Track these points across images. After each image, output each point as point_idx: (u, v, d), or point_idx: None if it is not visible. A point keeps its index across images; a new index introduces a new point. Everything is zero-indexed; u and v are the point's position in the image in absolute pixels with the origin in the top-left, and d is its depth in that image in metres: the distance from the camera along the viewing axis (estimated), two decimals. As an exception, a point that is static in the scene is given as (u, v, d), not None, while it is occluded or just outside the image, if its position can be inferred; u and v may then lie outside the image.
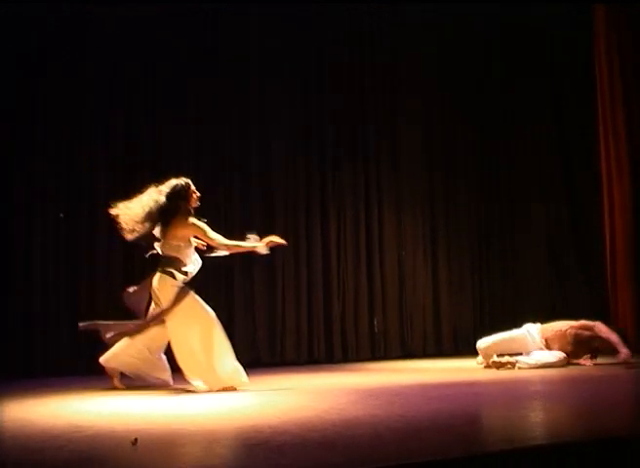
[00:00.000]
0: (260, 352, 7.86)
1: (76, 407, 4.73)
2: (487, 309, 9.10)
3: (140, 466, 2.98)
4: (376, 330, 8.43)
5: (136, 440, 3.29)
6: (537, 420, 3.96)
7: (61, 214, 7.20)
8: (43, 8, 7.23)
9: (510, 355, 6.76)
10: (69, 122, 7.41)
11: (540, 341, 6.83)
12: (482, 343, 6.96)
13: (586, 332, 6.75)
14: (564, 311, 8.98)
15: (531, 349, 6.84)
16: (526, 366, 6.61)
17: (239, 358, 7.93)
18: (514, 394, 5.19)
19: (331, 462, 2.92)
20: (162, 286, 5.47)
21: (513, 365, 6.62)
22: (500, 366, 6.63)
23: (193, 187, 5.61)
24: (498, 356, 6.81)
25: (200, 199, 5.65)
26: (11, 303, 7.01)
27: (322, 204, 8.38)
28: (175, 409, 4.60)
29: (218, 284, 7.78)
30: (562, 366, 6.63)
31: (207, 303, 5.53)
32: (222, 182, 7.95)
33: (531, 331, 6.93)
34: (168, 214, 5.47)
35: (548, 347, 6.82)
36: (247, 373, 5.46)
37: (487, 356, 6.87)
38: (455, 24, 9.10)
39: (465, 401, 4.80)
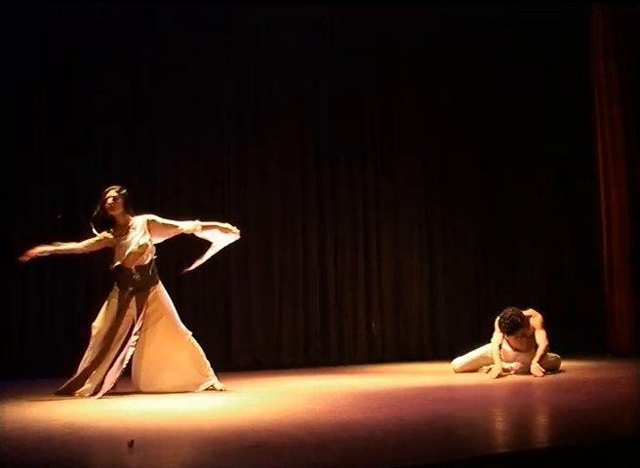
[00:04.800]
0: (256, 354, 7.84)
1: (72, 408, 4.72)
2: (483, 313, 9.06)
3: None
4: (374, 331, 8.42)
5: (132, 441, 3.27)
6: (536, 423, 3.96)
7: (59, 216, 7.18)
8: (42, 7, 7.25)
9: None
10: (67, 122, 7.40)
11: (510, 350, 6.70)
12: (456, 363, 6.91)
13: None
14: (561, 317, 8.99)
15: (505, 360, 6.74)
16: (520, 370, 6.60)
17: (236, 360, 7.92)
18: (512, 397, 5.18)
19: (327, 464, 2.91)
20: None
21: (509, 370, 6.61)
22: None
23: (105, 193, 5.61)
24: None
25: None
26: (7, 303, 6.99)
27: (319, 206, 8.36)
28: (171, 410, 4.59)
29: (214, 286, 7.77)
30: (556, 366, 6.62)
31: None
32: (220, 190, 7.94)
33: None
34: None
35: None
36: (244, 375, 5.46)
37: (465, 372, 6.82)
38: (452, 32, 9.09)
39: (464, 404, 4.79)
